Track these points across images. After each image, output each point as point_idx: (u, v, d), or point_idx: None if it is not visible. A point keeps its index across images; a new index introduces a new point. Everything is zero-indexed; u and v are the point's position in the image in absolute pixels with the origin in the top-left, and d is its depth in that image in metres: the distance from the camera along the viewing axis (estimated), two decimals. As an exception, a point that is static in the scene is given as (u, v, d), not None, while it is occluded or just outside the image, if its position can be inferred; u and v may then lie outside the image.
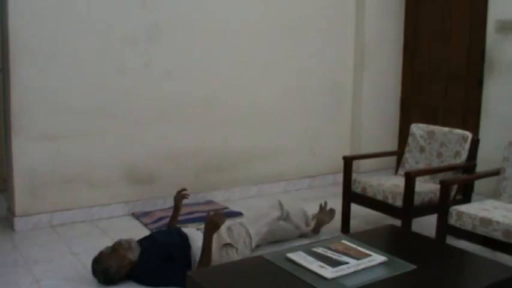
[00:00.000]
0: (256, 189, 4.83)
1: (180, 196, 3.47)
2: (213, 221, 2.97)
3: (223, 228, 3.18)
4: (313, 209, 4.50)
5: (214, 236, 3.06)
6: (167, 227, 3.48)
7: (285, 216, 3.54)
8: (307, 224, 3.72)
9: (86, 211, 4.09)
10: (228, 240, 3.14)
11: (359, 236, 2.78)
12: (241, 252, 3.19)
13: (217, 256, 3.07)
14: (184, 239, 3.11)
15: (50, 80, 3.83)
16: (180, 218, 3.57)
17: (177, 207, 3.47)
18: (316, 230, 3.80)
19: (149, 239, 3.17)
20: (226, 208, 4.32)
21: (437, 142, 3.93)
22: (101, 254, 2.99)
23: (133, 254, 2.99)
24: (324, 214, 3.89)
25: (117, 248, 2.99)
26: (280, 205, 3.52)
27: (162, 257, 2.99)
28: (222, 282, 2.27)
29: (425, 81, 5.26)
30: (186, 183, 4.33)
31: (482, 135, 4.32)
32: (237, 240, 3.21)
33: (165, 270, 2.97)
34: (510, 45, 4.26)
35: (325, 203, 3.97)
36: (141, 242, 3.13)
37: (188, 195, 3.50)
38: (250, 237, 3.28)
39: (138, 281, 3.01)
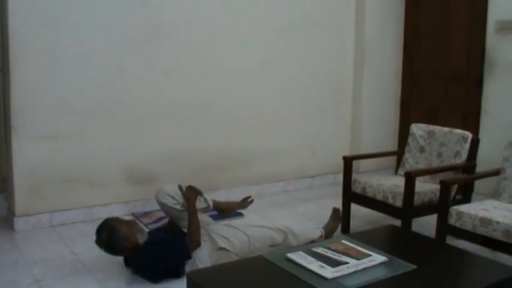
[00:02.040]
0: (256, 189, 4.82)
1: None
2: (191, 189, 3.26)
3: (215, 235, 3.21)
4: (312, 211, 4.50)
5: (209, 241, 3.15)
6: (163, 226, 3.49)
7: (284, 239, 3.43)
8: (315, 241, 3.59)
9: (86, 211, 4.09)
10: (222, 245, 3.15)
11: (359, 236, 2.78)
12: (242, 249, 3.21)
13: (215, 257, 3.10)
14: (182, 236, 3.14)
15: (50, 80, 3.84)
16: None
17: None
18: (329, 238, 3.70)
19: (150, 235, 3.21)
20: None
21: (437, 142, 3.93)
22: (116, 217, 3.11)
23: (141, 239, 3.04)
24: (330, 222, 3.77)
25: (132, 223, 3.10)
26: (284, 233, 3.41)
27: (159, 248, 3.01)
28: (222, 282, 2.27)
29: (425, 81, 5.26)
30: (186, 183, 4.34)
31: (482, 135, 4.32)
32: (234, 244, 3.20)
33: (161, 262, 3.00)
34: (510, 45, 4.26)
35: (338, 210, 3.83)
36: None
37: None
38: (248, 236, 3.27)
39: (135, 270, 3.05)
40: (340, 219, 3.84)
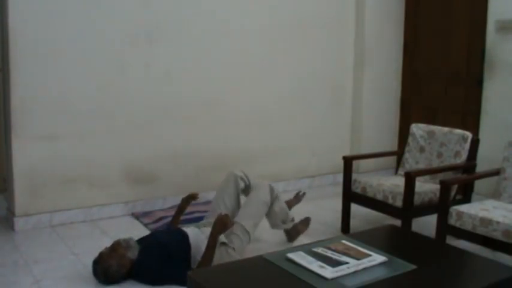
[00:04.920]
0: (256, 189, 4.82)
1: (189, 198, 3.48)
2: (222, 221, 3.04)
3: None
4: (312, 211, 4.50)
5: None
6: (167, 227, 3.48)
7: (273, 200, 3.53)
8: (284, 222, 3.63)
9: (86, 211, 4.09)
10: (224, 239, 3.15)
11: (359, 236, 2.78)
12: (239, 249, 3.20)
13: (217, 255, 3.08)
14: (185, 239, 3.11)
15: (50, 80, 3.84)
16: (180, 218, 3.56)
17: (181, 209, 3.49)
18: (291, 239, 3.70)
19: (149, 238, 3.19)
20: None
21: (437, 142, 3.93)
22: (100, 254, 3.01)
23: (133, 253, 3.01)
24: (300, 224, 3.75)
25: (116, 247, 3.00)
26: (272, 191, 3.50)
27: (161, 256, 3.00)
28: (222, 282, 2.27)
29: (425, 81, 5.26)
30: (186, 183, 4.35)
31: (482, 135, 4.32)
32: (232, 239, 3.21)
33: (164, 269, 2.99)
34: (510, 45, 4.26)
35: (303, 194, 3.94)
36: (141, 240, 3.15)
37: (197, 198, 3.51)
38: (248, 232, 3.27)
39: (138, 279, 3.02)
40: (308, 227, 3.80)
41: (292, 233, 3.69)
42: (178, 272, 2.92)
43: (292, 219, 3.68)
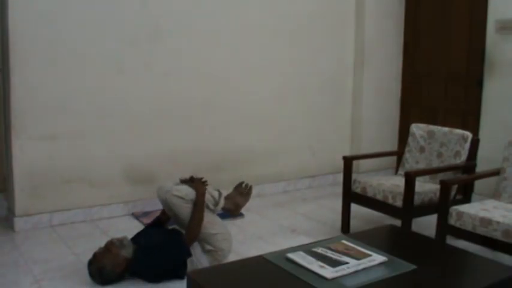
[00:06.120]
0: (256, 189, 4.80)
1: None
2: (200, 189, 3.18)
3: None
4: (312, 211, 4.49)
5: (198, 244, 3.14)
6: (161, 214, 3.44)
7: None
8: (215, 204, 3.31)
9: (86, 211, 4.09)
10: (210, 247, 3.16)
11: (359, 236, 2.78)
12: (227, 247, 3.23)
13: (208, 261, 3.14)
14: (180, 236, 3.14)
15: (50, 80, 3.84)
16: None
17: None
18: (235, 213, 3.56)
19: (143, 234, 3.21)
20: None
21: (437, 142, 3.93)
22: (94, 255, 3.02)
23: (127, 251, 3.00)
24: (237, 196, 3.52)
25: (110, 247, 3.00)
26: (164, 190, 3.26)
27: (157, 252, 3.01)
28: (222, 282, 2.27)
29: (425, 81, 5.26)
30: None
31: (482, 135, 4.32)
32: (219, 245, 3.20)
33: (161, 265, 3.01)
34: (510, 45, 4.26)
35: (245, 185, 3.57)
36: (136, 238, 3.17)
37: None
38: (221, 233, 3.23)
39: (137, 277, 3.04)
40: (249, 197, 3.56)
41: (231, 208, 3.48)
42: (176, 266, 3.00)
43: (220, 194, 3.35)
